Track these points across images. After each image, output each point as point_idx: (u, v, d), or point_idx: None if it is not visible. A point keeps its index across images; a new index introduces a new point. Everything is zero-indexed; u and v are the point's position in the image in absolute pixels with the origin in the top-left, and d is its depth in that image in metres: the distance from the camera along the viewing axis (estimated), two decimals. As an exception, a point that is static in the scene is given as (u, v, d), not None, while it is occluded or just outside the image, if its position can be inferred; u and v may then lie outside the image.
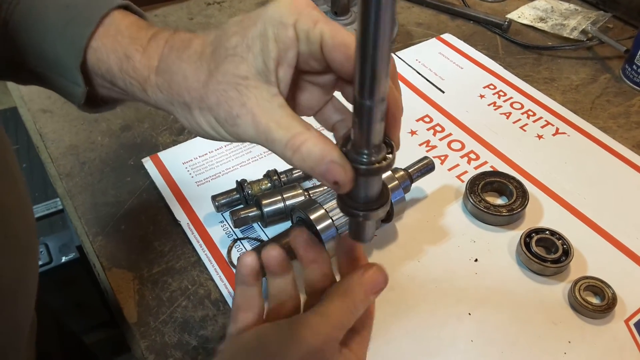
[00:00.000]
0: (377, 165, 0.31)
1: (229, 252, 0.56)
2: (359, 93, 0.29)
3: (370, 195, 0.33)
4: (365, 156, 0.31)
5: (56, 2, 0.41)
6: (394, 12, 0.25)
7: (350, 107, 0.32)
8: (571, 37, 0.82)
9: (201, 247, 0.57)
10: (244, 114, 0.33)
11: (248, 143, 0.67)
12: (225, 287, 0.53)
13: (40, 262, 1.16)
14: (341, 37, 0.32)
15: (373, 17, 0.24)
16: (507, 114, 0.71)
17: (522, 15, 0.88)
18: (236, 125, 0.33)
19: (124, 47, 0.38)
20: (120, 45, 0.38)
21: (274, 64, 0.33)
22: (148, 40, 0.38)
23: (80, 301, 1.25)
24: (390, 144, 0.32)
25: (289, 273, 0.39)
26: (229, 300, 0.52)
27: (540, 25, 0.86)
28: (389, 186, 0.56)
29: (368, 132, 0.30)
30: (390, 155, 0.32)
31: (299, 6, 0.33)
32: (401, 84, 0.76)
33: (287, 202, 0.57)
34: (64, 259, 1.18)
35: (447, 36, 0.85)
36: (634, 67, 0.74)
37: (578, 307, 0.50)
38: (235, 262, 0.55)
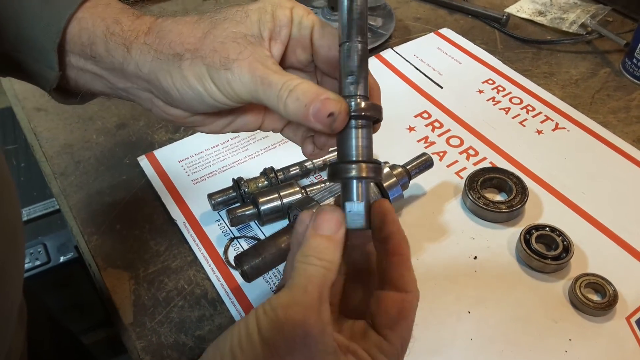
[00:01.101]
0: (366, 104, 0.33)
1: (225, 251, 0.55)
2: (347, 36, 0.32)
3: (361, 151, 0.33)
4: (354, 98, 0.33)
5: None
6: None
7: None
8: (570, 31, 0.82)
9: (197, 246, 0.56)
10: (241, 59, 0.35)
11: (244, 139, 0.67)
12: (222, 287, 0.52)
13: (38, 262, 1.15)
14: (330, 28, 0.36)
15: None
16: (506, 109, 0.71)
17: (521, 9, 0.87)
18: (231, 69, 0.34)
19: (115, 14, 0.39)
20: (111, 13, 0.39)
21: (268, 34, 0.36)
22: (141, 14, 0.40)
23: (79, 301, 1.25)
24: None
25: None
26: (226, 300, 0.52)
27: (539, 19, 0.85)
28: (387, 183, 0.55)
29: (358, 68, 0.33)
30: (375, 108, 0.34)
31: None
32: (399, 80, 0.76)
33: (284, 200, 0.56)
34: (62, 258, 1.17)
35: (445, 31, 0.84)
36: (634, 60, 0.74)
37: (579, 304, 0.50)
38: (232, 262, 0.54)
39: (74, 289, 1.19)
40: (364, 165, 0.32)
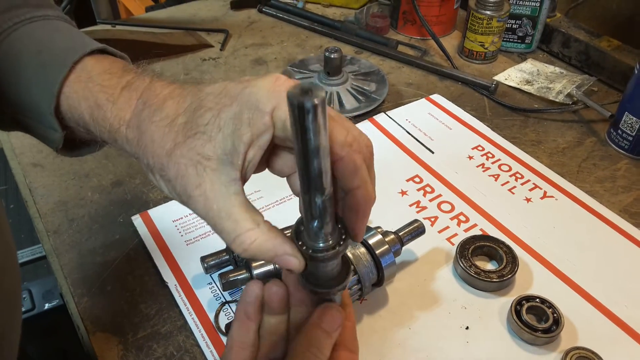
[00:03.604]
0: (323, 253, 0.34)
1: (216, 316, 0.55)
2: (305, 190, 0.30)
3: (328, 275, 0.37)
4: (320, 243, 0.33)
5: (30, 48, 0.41)
6: (320, 130, 0.27)
7: None
8: (557, 100, 0.85)
9: (188, 310, 0.56)
10: (197, 195, 0.33)
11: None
12: (211, 354, 0.52)
13: (22, 309, 1.13)
14: None
15: (304, 136, 0.27)
16: (496, 176, 0.72)
17: (509, 77, 0.91)
18: (189, 203, 0.35)
19: (95, 95, 0.38)
20: (91, 93, 0.38)
21: (245, 147, 0.33)
22: (120, 90, 0.38)
23: (63, 349, 1.21)
24: (346, 232, 0.35)
25: (285, 313, 0.39)
26: (215, 369, 0.51)
27: (526, 87, 0.88)
28: (379, 250, 0.56)
29: (316, 223, 0.32)
30: (341, 245, 0.34)
31: (279, 92, 0.32)
32: (392, 144, 0.78)
33: (277, 265, 0.56)
34: (47, 305, 1.15)
35: (436, 97, 0.87)
36: (619, 131, 0.76)
37: (570, 379, 0.50)
38: (222, 328, 0.54)
39: (58, 336, 1.16)
40: (338, 292, 0.38)
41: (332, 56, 0.81)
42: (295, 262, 0.34)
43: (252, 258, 0.36)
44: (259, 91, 0.32)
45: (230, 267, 0.59)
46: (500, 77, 0.91)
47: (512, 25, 0.95)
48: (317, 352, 0.36)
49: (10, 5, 0.43)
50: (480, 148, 0.77)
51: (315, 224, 0.32)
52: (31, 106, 0.41)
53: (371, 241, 0.55)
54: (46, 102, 0.39)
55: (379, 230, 0.58)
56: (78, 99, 0.39)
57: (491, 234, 0.63)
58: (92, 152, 0.46)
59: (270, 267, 0.56)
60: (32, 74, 0.40)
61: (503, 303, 0.57)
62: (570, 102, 0.84)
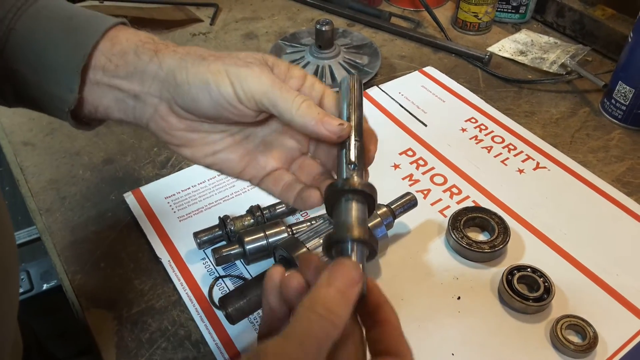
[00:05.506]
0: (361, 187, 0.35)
1: (210, 290, 0.55)
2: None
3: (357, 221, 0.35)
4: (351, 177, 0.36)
5: (60, 14, 0.43)
6: None
7: None
8: (551, 70, 0.84)
9: (182, 285, 0.56)
10: (262, 65, 0.39)
11: (231, 178, 0.67)
12: (206, 328, 0.52)
13: (21, 290, 1.14)
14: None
15: None
16: (489, 148, 0.72)
17: (503, 48, 0.90)
18: (251, 68, 0.37)
19: (147, 36, 0.42)
20: (142, 35, 0.42)
21: None
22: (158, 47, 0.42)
23: (61, 328, 1.23)
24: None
25: None
26: (210, 342, 0.51)
27: (520, 58, 0.87)
28: (371, 223, 0.56)
29: (358, 160, 0.38)
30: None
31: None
32: (385, 117, 0.77)
33: (270, 240, 0.57)
34: (45, 286, 1.16)
35: (429, 69, 0.86)
36: (613, 101, 0.76)
37: (560, 346, 0.50)
38: (216, 302, 0.54)
39: (57, 316, 1.17)
40: (361, 230, 0.33)
41: (324, 29, 0.80)
42: (342, 121, 0.37)
43: (307, 114, 0.37)
44: None
45: (224, 243, 0.59)
46: (494, 48, 0.90)
47: (506, -5, 0.93)
48: (321, 310, 0.28)
49: None
50: (473, 120, 0.77)
51: (353, 166, 0.36)
52: (56, 65, 0.41)
53: (363, 214, 0.55)
54: (75, 61, 0.40)
55: (371, 203, 0.58)
56: (127, 36, 0.41)
57: (483, 206, 0.63)
58: (88, 129, 0.46)
59: (263, 242, 0.57)
60: (63, 35, 0.41)
61: (494, 273, 0.57)
62: (564, 73, 0.83)
